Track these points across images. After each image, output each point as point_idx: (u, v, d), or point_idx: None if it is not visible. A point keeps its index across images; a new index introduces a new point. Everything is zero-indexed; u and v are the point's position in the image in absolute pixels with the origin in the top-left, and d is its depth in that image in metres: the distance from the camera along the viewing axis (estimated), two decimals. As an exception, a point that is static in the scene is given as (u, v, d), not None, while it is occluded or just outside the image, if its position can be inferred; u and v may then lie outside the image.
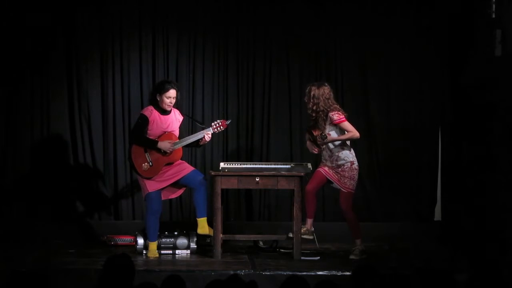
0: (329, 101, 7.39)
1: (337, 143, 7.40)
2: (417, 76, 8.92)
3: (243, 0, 8.86)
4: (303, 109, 8.87)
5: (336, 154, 7.39)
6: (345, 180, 7.39)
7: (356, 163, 7.44)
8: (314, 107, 7.38)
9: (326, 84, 7.53)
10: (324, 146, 7.46)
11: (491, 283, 4.35)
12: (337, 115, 7.35)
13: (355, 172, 7.42)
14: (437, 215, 8.97)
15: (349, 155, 7.41)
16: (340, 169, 7.39)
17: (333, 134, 7.38)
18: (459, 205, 8.68)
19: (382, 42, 8.90)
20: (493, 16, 8.23)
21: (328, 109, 7.36)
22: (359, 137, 7.45)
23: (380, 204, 8.89)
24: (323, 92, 7.39)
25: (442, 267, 6.66)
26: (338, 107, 7.44)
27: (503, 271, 4.47)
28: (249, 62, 8.91)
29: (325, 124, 7.38)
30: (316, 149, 7.51)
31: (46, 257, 7.34)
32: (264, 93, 8.91)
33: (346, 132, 7.37)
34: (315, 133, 7.44)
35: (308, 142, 7.60)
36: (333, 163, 7.42)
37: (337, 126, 7.36)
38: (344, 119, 7.36)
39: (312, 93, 7.41)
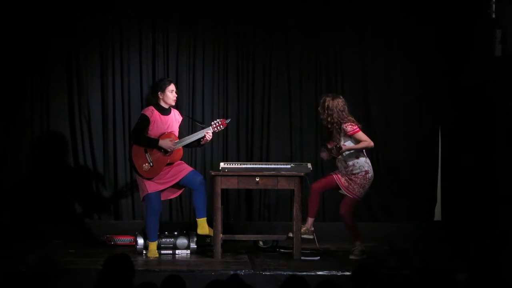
0: (343, 113, 7.41)
1: (350, 154, 7.39)
2: (417, 76, 8.93)
3: (243, 0, 8.87)
4: (303, 109, 8.91)
5: (351, 165, 7.39)
6: (354, 186, 7.39)
7: (371, 173, 7.43)
8: (329, 119, 7.41)
9: (341, 96, 7.55)
10: (339, 158, 7.46)
11: (491, 283, 4.35)
12: (350, 126, 7.37)
13: (367, 181, 7.42)
14: (437, 215, 8.97)
15: (364, 164, 7.41)
16: (353, 177, 7.40)
17: (348, 144, 7.39)
18: (459, 205, 8.68)
19: (382, 43, 8.90)
20: (493, 16, 8.23)
21: (342, 121, 7.38)
22: (373, 147, 7.48)
23: (380, 204, 8.89)
24: (337, 104, 7.41)
25: (442, 267, 6.66)
26: (352, 119, 7.45)
27: (503, 271, 4.47)
28: (249, 62, 8.91)
29: (339, 136, 7.40)
30: (326, 155, 7.56)
31: (47, 257, 7.34)
32: (264, 93, 8.91)
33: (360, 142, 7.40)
34: (330, 145, 7.48)
35: (322, 154, 7.60)
36: (348, 173, 7.43)
37: (351, 137, 7.38)
38: (358, 129, 7.38)
39: (326, 104, 7.43)
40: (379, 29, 8.88)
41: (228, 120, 7.71)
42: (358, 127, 7.40)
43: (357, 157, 7.41)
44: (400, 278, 4.46)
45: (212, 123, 7.58)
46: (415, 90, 8.95)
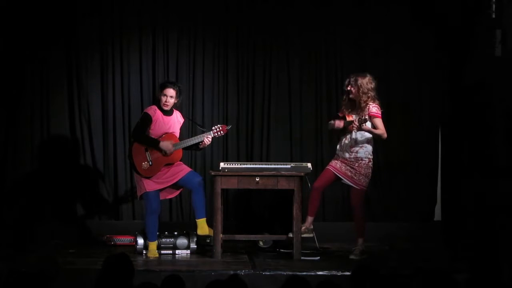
0: (372, 92, 7.38)
1: (366, 135, 7.36)
2: (417, 76, 8.92)
3: (243, 0, 8.87)
4: (303, 109, 8.90)
5: (360, 146, 7.37)
6: (360, 177, 7.38)
7: (372, 161, 7.46)
8: (363, 96, 7.33)
9: (368, 74, 7.51)
10: (347, 135, 7.41)
11: (491, 283, 4.36)
12: (376, 108, 7.36)
13: (370, 170, 7.44)
14: (437, 215, 8.97)
15: (370, 152, 7.41)
16: (357, 165, 7.37)
17: (367, 125, 7.37)
18: (459, 205, 8.68)
19: (382, 42, 8.90)
20: (493, 16, 8.23)
21: (369, 99, 7.36)
22: (385, 139, 7.48)
23: (380, 204, 8.89)
24: (367, 81, 7.40)
25: (442, 267, 6.67)
26: (379, 102, 7.42)
27: (503, 271, 4.47)
28: (249, 62, 8.91)
29: (362, 113, 7.36)
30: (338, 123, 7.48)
31: (47, 257, 7.32)
32: (264, 93, 8.91)
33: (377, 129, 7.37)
34: (349, 117, 7.41)
35: (332, 122, 7.54)
36: (351, 154, 7.40)
37: (371, 119, 7.35)
38: (380, 115, 7.37)
39: (359, 82, 7.36)
40: (379, 29, 8.88)
41: (229, 127, 7.73)
42: (381, 113, 7.40)
43: (369, 142, 7.40)
44: (400, 278, 4.47)
45: (213, 128, 7.58)
46: (415, 90, 8.94)
